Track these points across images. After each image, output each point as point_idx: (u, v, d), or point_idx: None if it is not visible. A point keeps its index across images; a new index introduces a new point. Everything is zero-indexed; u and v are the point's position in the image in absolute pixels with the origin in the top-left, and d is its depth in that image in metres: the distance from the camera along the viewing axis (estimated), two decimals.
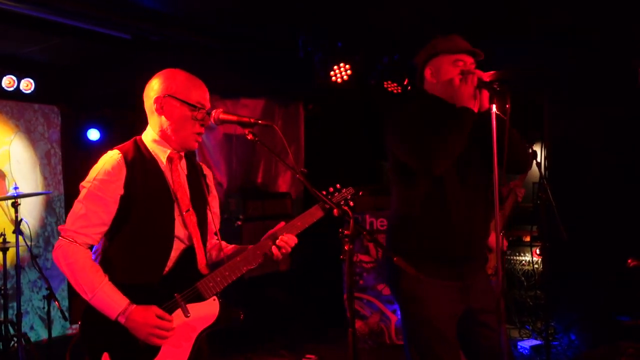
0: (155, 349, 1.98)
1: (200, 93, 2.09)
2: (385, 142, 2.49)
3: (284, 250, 2.09)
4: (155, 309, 1.95)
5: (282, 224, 2.14)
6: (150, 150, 2.09)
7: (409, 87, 5.24)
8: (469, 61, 2.42)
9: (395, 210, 2.51)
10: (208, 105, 2.11)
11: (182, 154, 2.16)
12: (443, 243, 2.36)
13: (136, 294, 1.97)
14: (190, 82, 2.09)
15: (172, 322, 1.97)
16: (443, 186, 2.35)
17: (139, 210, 2.01)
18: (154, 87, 2.09)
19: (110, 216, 1.99)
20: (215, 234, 2.26)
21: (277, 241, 2.08)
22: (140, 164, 2.04)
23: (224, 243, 2.27)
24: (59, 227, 2.01)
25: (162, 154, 2.09)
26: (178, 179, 2.10)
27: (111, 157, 2.02)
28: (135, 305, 1.93)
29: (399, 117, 2.46)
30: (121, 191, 1.99)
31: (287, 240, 2.09)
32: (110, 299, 1.92)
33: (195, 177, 2.20)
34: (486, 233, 2.57)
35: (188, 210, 2.09)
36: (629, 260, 3.98)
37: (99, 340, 1.96)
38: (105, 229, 2.00)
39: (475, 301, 2.42)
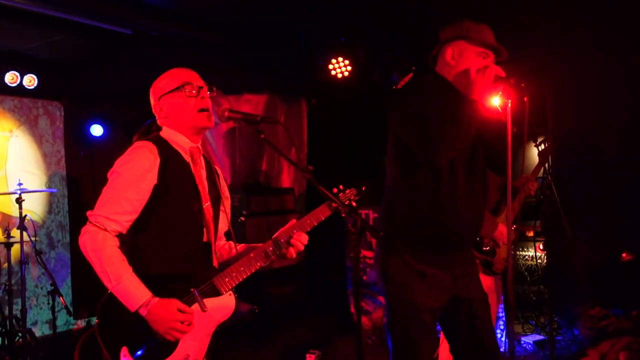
0: (174, 343, 1.98)
1: (184, 73, 2.12)
2: (388, 123, 2.44)
3: (298, 249, 2.13)
4: (176, 303, 1.96)
5: (294, 221, 2.16)
6: (172, 144, 2.12)
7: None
8: (491, 57, 2.39)
9: (390, 195, 2.47)
10: (200, 82, 2.12)
11: (201, 148, 2.19)
12: (440, 231, 2.34)
13: (163, 286, 1.97)
14: (173, 72, 2.14)
15: (192, 315, 1.98)
16: (443, 174, 2.33)
17: (169, 201, 2.03)
18: (151, 99, 2.17)
19: (141, 204, 1.99)
20: (226, 233, 2.29)
21: (292, 240, 2.11)
22: (169, 156, 2.07)
23: (233, 242, 2.28)
24: (87, 212, 1.99)
25: (183, 148, 2.13)
26: (199, 173, 2.14)
27: (145, 146, 2.03)
28: (157, 298, 1.93)
29: (406, 100, 2.41)
30: (155, 180, 2.00)
31: (301, 239, 2.13)
32: (135, 289, 1.92)
33: (211, 174, 2.23)
34: (482, 222, 2.56)
35: (207, 203, 2.13)
36: (623, 254, 3.97)
37: (117, 334, 1.95)
38: (135, 217, 2.00)
39: (463, 290, 2.42)
